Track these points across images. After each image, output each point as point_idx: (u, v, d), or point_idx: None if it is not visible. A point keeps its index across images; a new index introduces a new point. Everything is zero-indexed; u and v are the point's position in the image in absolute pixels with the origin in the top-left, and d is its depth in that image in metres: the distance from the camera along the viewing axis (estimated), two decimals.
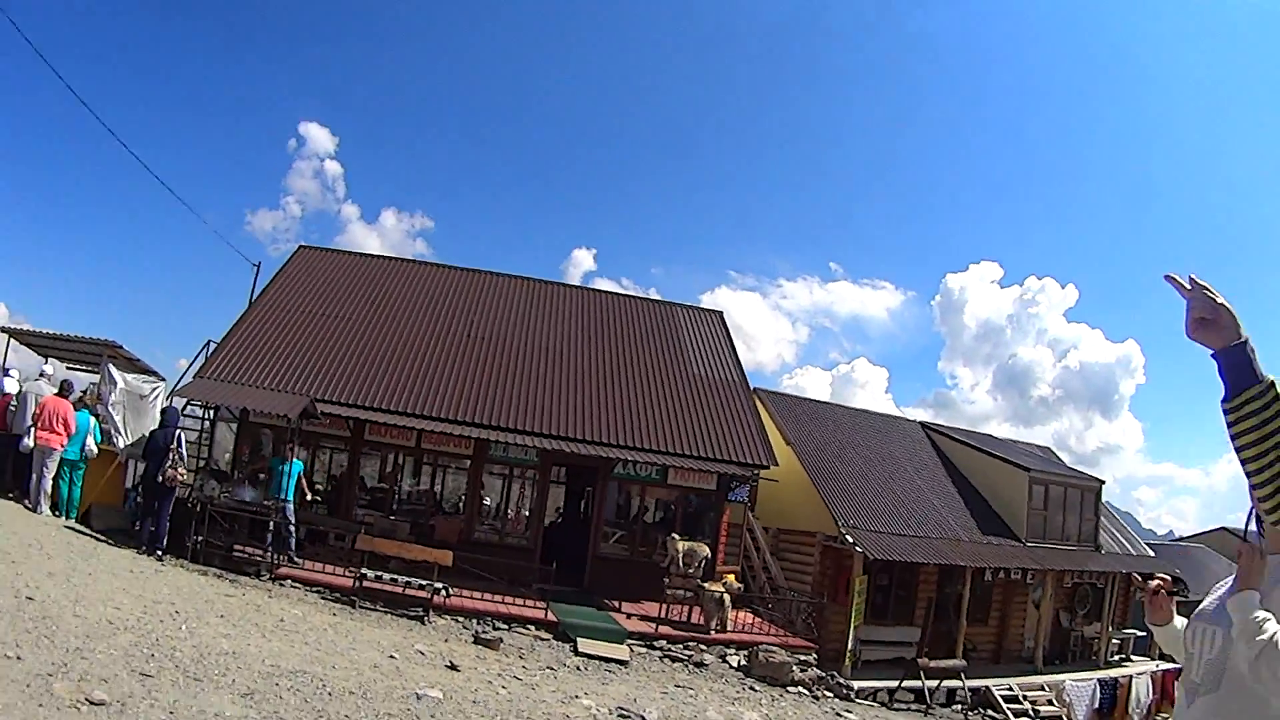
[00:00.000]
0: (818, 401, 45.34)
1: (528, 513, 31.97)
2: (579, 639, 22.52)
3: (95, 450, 23.49)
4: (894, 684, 29.22)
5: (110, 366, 25.99)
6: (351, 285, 35.95)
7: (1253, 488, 3.54)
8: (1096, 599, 41.34)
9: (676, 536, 28.17)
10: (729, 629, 26.02)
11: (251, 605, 18.41)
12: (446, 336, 34.05)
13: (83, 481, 23.32)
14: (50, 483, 21.99)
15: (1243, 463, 3.49)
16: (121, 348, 26.60)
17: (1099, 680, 35.56)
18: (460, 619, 22.81)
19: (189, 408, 27.37)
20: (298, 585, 22.88)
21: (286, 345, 30.94)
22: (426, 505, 31.32)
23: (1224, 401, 3.54)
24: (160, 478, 22.03)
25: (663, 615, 25.44)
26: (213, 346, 30.48)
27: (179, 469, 21.94)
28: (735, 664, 24.11)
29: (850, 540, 31.85)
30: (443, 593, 22.59)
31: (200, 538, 23.00)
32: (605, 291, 41.32)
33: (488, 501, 32.99)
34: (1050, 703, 32.47)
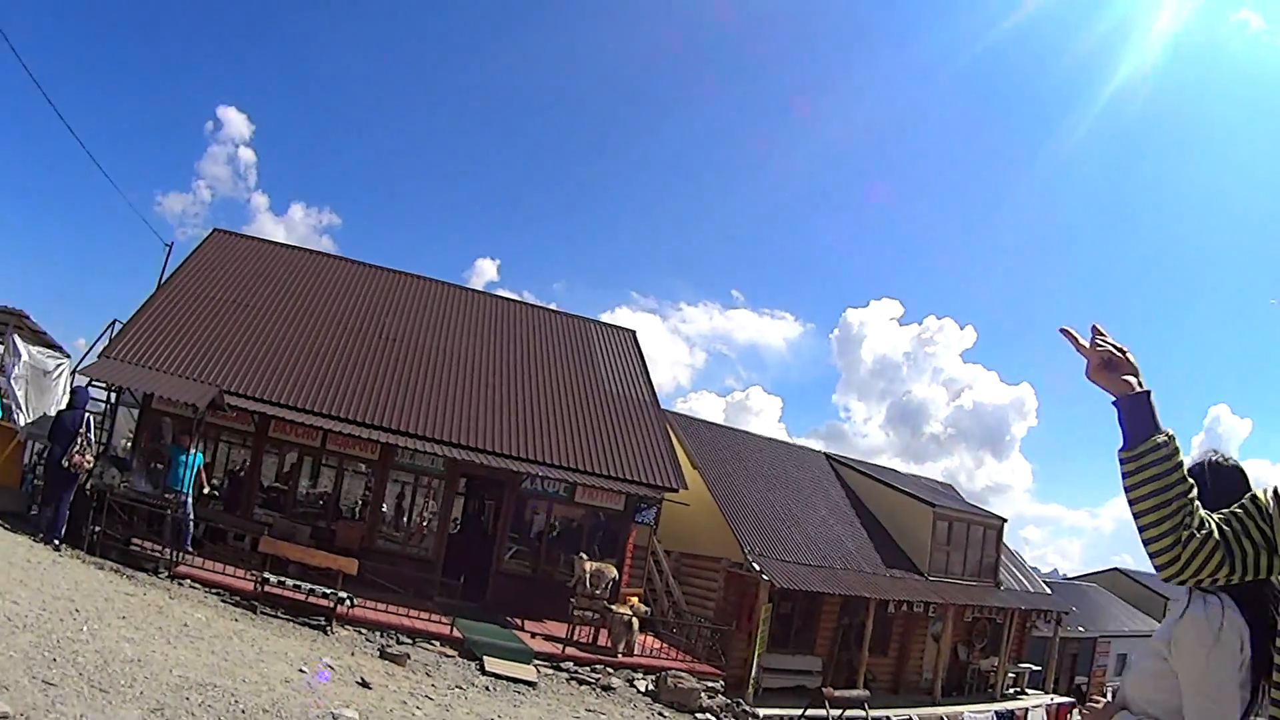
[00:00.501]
0: (724, 427, 44.92)
1: (429, 523, 31.04)
2: (485, 657, 21.77)
3: None
4: (798, 712, 28.64)
5: (15, 337, 24.45)
6: (264, 274, 34.66)
7: (1145, 542, 3.27)
8: (995, 633, 41.51)
9: (584, 556, 27.24)
10: (635, 653, 25.44)
11: (153, 606, 17.32)
12: (358, 335, 33.08)
13: None
14: None
15: (1137, 515, 3.27)
16: (29, 318, 25.45)
17: (996, 713, 35.79)
18: (363, 630, 21.91)
19: (90, 389, 25.28)
20: (197, 585, 21.64)
21: (195, 331, 29.64)
22: (327, 509, 29.92)
23: (1122, 450, 3.34)
24: (66, 462, 20.69)
25: (569, 636, 24.88)
26: (118, 327, 28.76)
27: (86, 455, 20.39)
28: (643, 688, 23.61)
29: (757, 568, 31.26)
30: (347, 603, 21.58)
31: (98, 528, 21.61)
32: (519, 301, 41.08)
33: (388, 509, 31.77)
34: None
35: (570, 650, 24.19)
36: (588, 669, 23.49)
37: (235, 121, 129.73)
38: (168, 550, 22.10)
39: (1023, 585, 43.93)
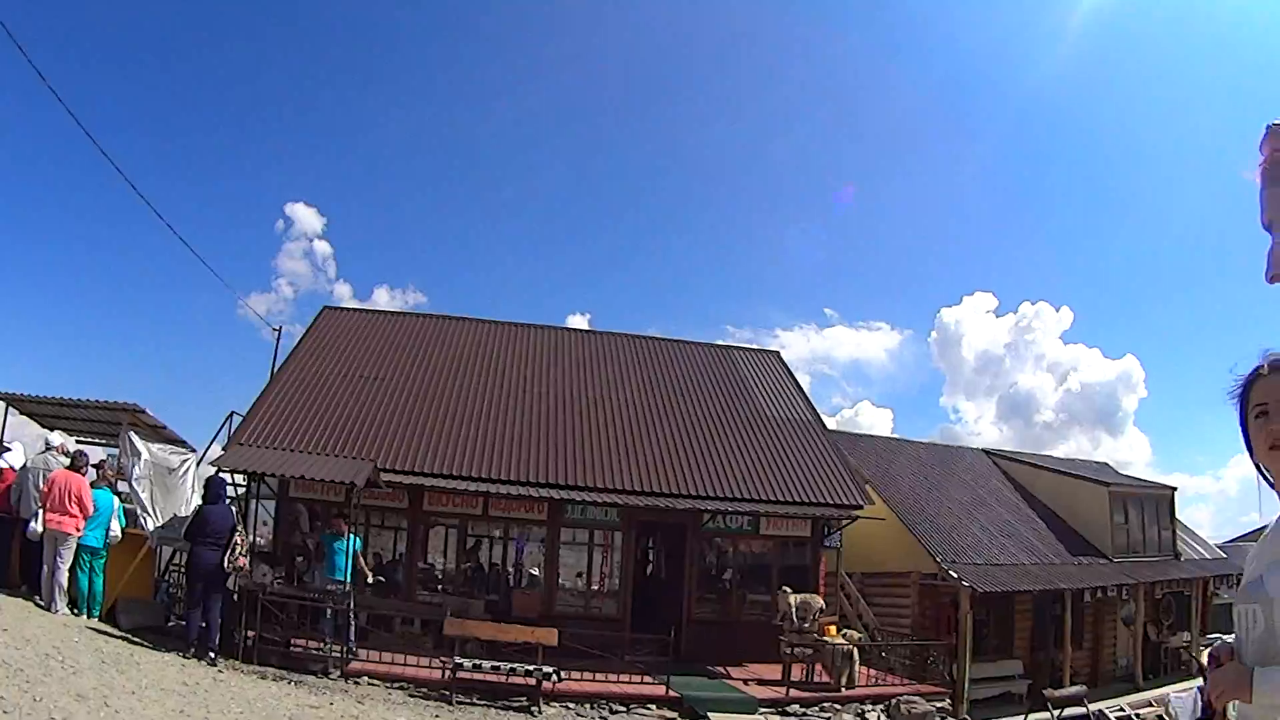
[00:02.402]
0: (878, 436, 40.87)
1: (610, 579, 26.80)
2: (710, 715, 18.88)
3: (120, 534, 18.40)
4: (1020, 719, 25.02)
5: (132, 435, 20.56)
6: (384, 344, 31.40)
7: None
8: (1181, 608, 37.61)
9: (788, 589, 23.29)
10: (857, 684, 21.95)
11: (346, 717, 14.39)
12: (498, 393, 29.20)
13: (105, 572, 18.25)
14: (66, 574, 17.02)
15: None
16: (145, 412, 21.51)
17: (1199, 688, 30.65)
18: (570, 705, 18.93)
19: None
20: (376, 682, 18.44)
21: (324, 410, 26.09)
22: (498, 580, 26.17)
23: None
24: (228, 566, 17.34)
25: (784, 677, 21.79)
26: (236, 421, 25.23)
27: (245, 556, 16.45)
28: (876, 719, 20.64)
29: (955, 576, 27.65)
30: (553, 678, 18.40)
31: (252, 633, 18.16)
32: (656, 338, 36.47)
33: (565, 571, 27.08)
34: (1160, 718, 28.78)
35: (794, 692, 20.99)
36: (815, 709, 20.62)
37: (305, 217, 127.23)
38: (333, 647, 18.82)
39: (1199, 554, 39.57)
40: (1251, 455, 3.19)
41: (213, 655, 16.74)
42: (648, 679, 20.18)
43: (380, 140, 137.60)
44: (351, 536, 20.24)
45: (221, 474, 19.48)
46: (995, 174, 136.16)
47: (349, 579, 19.70)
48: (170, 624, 19.47)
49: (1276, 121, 2.87)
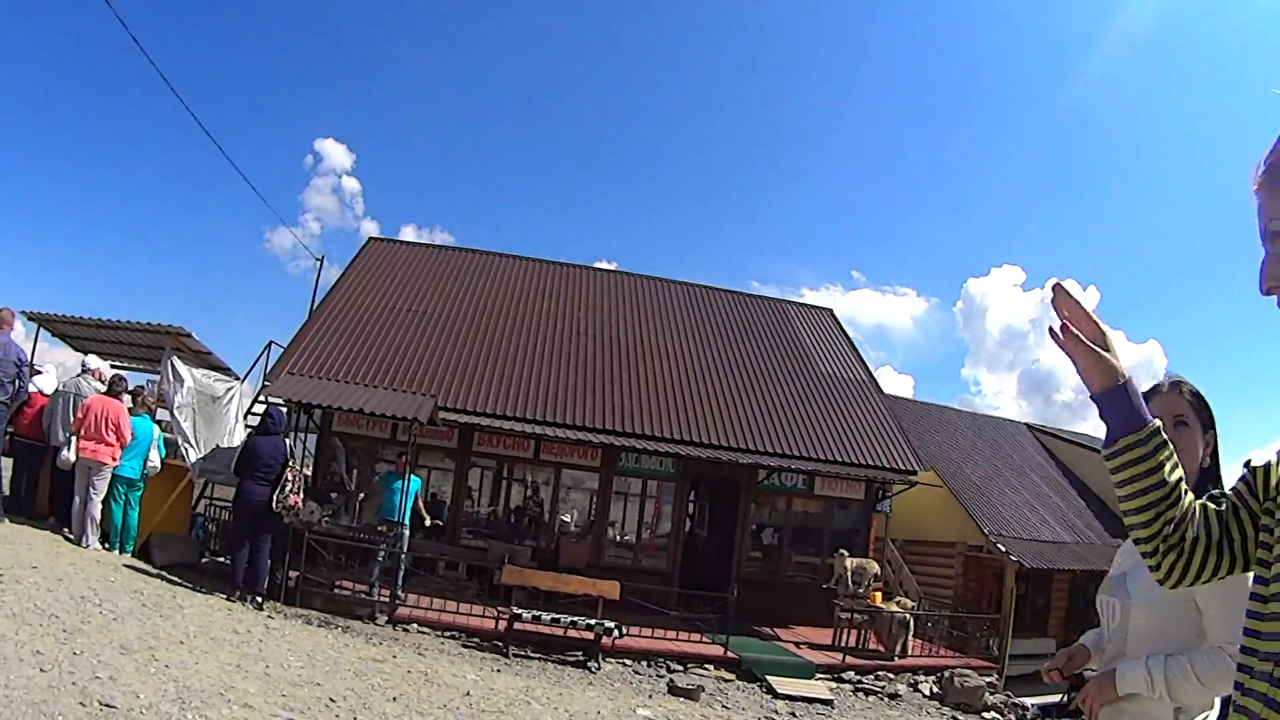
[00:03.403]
0: (922, 402, 38.45)
1: (660, 533, 25.00)
2: (768, 678, 17.62)
3: (159, 465, 16.61)
4: (1057, 699, 21.84)
5: (175, 360, 18.59)
6: (432, 279, 29.32)
7: (1135, 542, 2.57)
8: None
9: (845, 553, 21.99)
10: (909, 654, 20.82)
11: (415, 674, 12.45)
12: (551, 334, 27.23)
13: (140, 505, 16.37)
14: (99, 506, 15.23)
15: (1124, 513, 2.56)
16: (190, 336, 19.59)
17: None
18: (628, 662, 17.53)
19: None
20: (425, 629, 17.07)
21: (369, 343, 24.27)
22: (545, 526, 24.31)
23: (1104, 447, 2.58)
24: (278, 505, 15.62)
25: (836, 642, 20.68)
26: (275, 351, 23.40)
27: (298, 494, 15.59)
28: (928, 692, 19.71)
29: (1003, 549, 26.40)
30: (614, 633, 16.97)
31: (295, 573, 16.82)
32: (711, 287, 33.99)
33: (615, 520, 25.58)
34: None
35: (849, 659, 19.83)
36: (870, 677, 19.45)
37: (334, 153, 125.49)
38: (378, 592, 17.49)
39: None
40: None
41: (259, 599, 15.23)
42: (702, 638, 18.85)
43: (411, 77, 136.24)
44: (413, 477, 18.66)
45: (275, 404, 18.08)
46: (1032, 147, 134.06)
47: (406, 520, 18.35)
48: (204, 560, 18.03)
49: None
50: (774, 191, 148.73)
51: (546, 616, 16.78)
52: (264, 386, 21.52)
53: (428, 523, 19.42)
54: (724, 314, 31.36)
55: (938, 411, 37.60)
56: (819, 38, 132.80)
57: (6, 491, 15.76)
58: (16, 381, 14.58)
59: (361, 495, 20.38)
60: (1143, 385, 2.91)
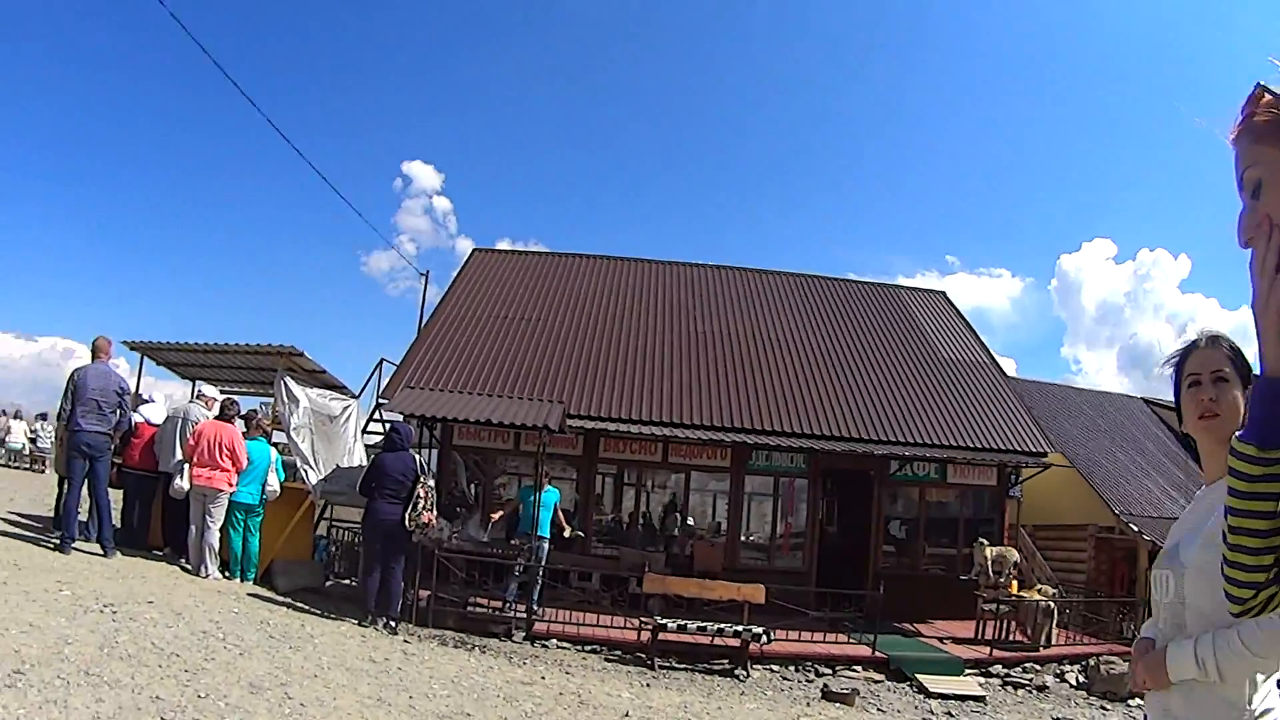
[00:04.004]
0: (1039, 382, 36.25)
1: (793, 530, 23.45)
2: (918, 676, 16.50)
3: (278, 489, 15.55)
4: None
5: (288, 381, 17.55)
6: (538, 285, 27.91)
7: (1225, 574, 2.25)
8: None
9: (984, 542, 20.70)
10: (1053, 643, 19.43)
11: (568, 695, 11.40)
12: (666, 333, 25.81)
13: (260, 530, 15.36)
14: (216, 535, 14.31)
15: (1234, 530, 2.18)
16: (303, 355, 18.51)
17: None
18: (774, 668, 16.19)
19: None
20: (565, 645, 15.94)
21: (482, 353, 23.24)
22: (678, 530, 22.83)
23: (1251, 442, 2.10)
24: (412, 524, 14.37)
25: (979, 634, 19.35)
26: (387, 368, 22.37)
27: (432, 512, 14.14)
28: (1074, 682, 18.32)
29: (1135, 529, 24.61)
30: (763, 638, 15.63)
31: (426, 592, 15.75)
32: (822, 276, 32.46)
33: (748, 520, 23.99)
34: None
35: (996, 652, 18.42)
36: (1018, 669, 18.19)
37: (423, 174, 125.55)
38: (512, 608, 16.49)
39: None
40: (1181, 425, 3.09)
41: (393, 623, 14.08)
42: (845, 638, 17.66)
43: (494, 94, 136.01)
44: (549, 489, 17.84)
45: (402, 419, 16.88)
46: (1113, 116, 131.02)
47: (544, 533, 17.40)
48: (329, 584, 17.02)
49: (1264, 83, 2.10)
50: (864, 181, 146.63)
51: (693, 625, 15.55)
52: (379, 405, 20.73)
53: (568, 534, 18.43)
54: (838, 303, 29.87)
55: (1054, 390, 35.71)
56: (901, 26, 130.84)
57: (118, 524, 14.86)
58: (119, 411, 13.77)
59: (498, 514, 18.93)
60: (1251, 346, 2.52)
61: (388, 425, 16.04)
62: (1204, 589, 2.78)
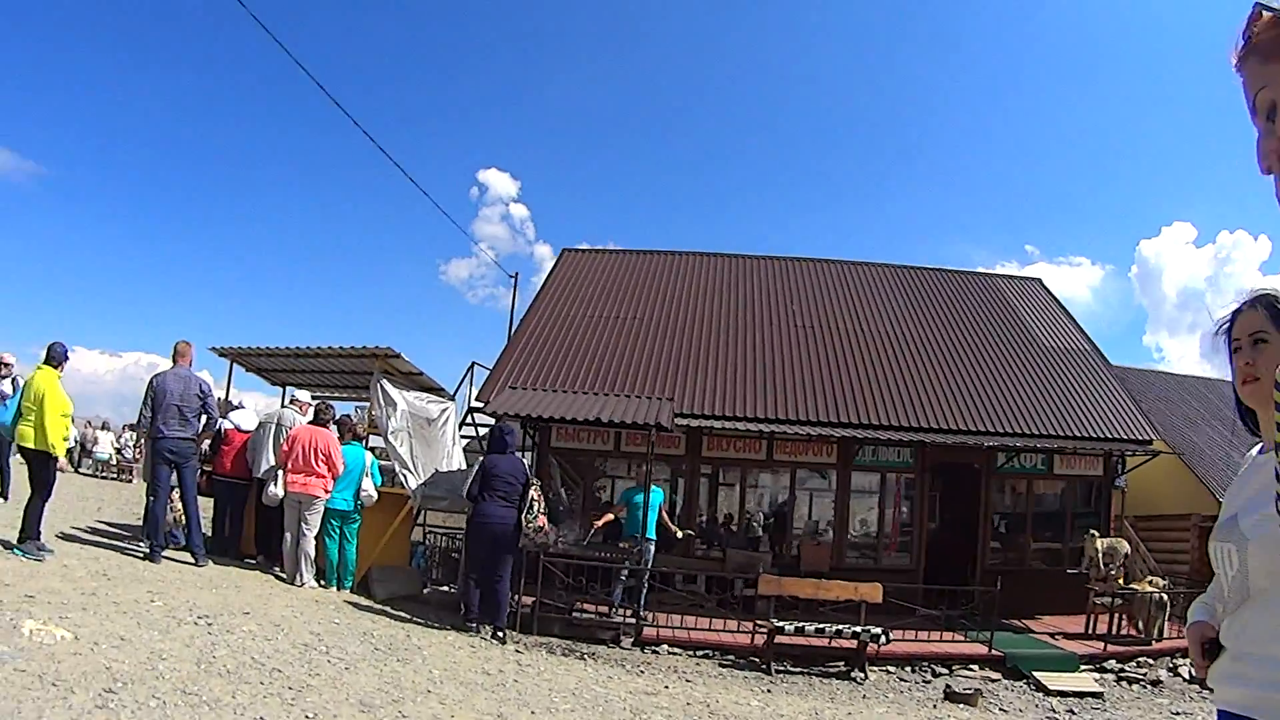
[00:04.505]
0: (1141, 370, 34.84)
1: (899, 527, 22.32)
2: (1035, 674, 15.48)
3: (375, 494, 14.69)
4: None
5: (384, 384, 16.70)
6: (632, 283, 27.15)
7: None
8: None
9: (1095, 534, 19.47)
10: (1165, 636, 18.17)
11: (694, 704, 10.53)
12: (762, 328, 24.51)
13: (357, 537, 14.51)
14: (312, 542, 13.72)
15: None
16: (399, 356, 17.37)
17: None
18: (890, 670, 15.09)
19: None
20: (676, 650, 14.70)
21: (577, 353, 22.37)
22: (785, 529, 21.63)
23: None
24: (529, 529, 13.50)
25: (1089, 630, 18.32)
26: (479, 372, 21.84)
27: (545, 515, 13.36)
28: (1187, 676, 16.97)
29: None
30: (882, 639, 14.59)
31: (531, 599, 14.64)
32: (915, 267, 31.12)
33: (856, 518, 22.61)
34: None
35: (1110, 647, 17.20)
36: (1131, 664, 17.06)
37: (499, 181, 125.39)
38: (619, 613, 15.53)
39: None
40: (1235, 392, 2.79)
41: (500, 632, 13.15)
42: (957, 636, 16.66)
43: (566, 100, 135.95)
44: (655, 489, 16.76)
45: (497, 420, 15.89)
46: (1190, 95, 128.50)
47: (651, 534, 16.32)
48: (427, 591, 15.85)
49: (1261, 1, 1.98)
50: (940, 172, 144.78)
51: (811, 627, 14.47)
52: (472, 409, 20.07)
53: (679, 535, 17.49)
54: (934, 292, 28.61)
55: (1150, 377, 34.22)
56: (977, 13, 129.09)
57: (208, 532, 14.59)
58: (203, 414, 13.32)
59: (603, 519, 17.50)
60: None
61: (493, 426, 14.86)
62: (1273, 555, 2.54)
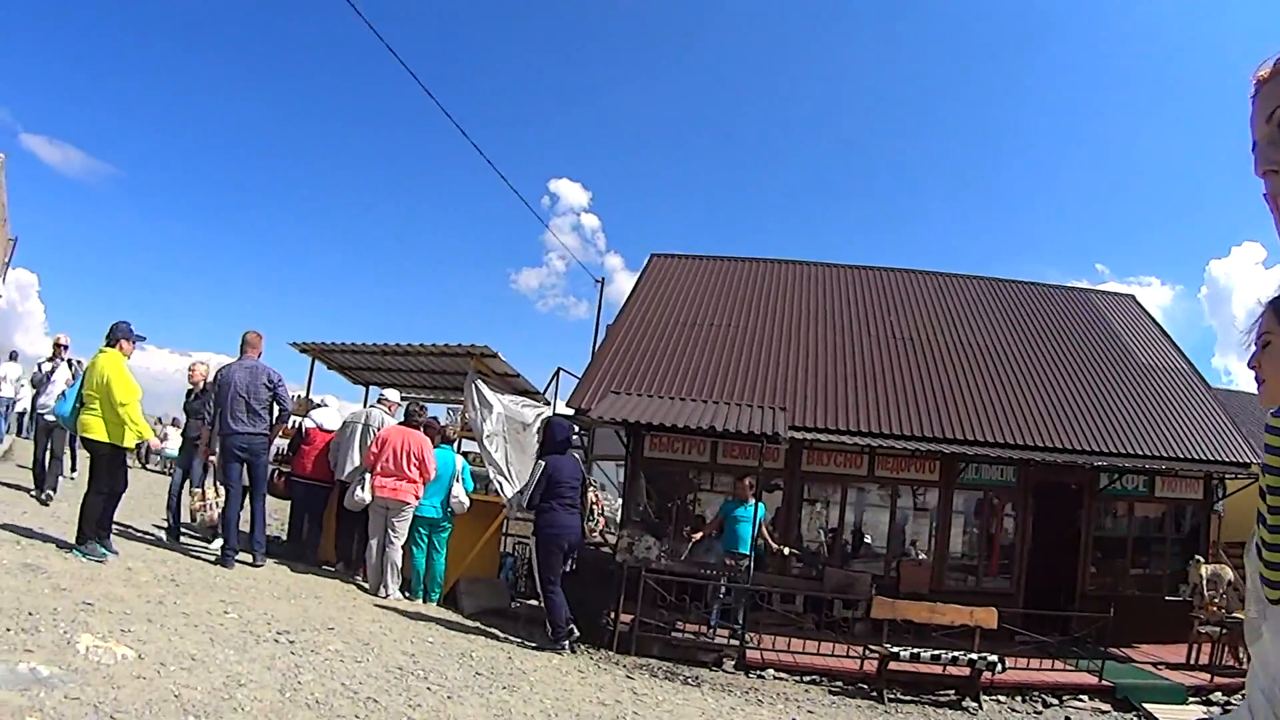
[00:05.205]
0: (1233, 391, 32.10)
1: (996, 548, 20.50)
2: (1147, 705, 14.16)
3: (467, 501, 13.34)
4: None
5: (479, 384, 15.00)
6: (724, 290, 25.21)
7: (1268, 547, 2.03)
8: None
9: (1200, 559, 18.16)
10: None
11: None
12: (860, 339, 23.03)
13: (446, 547, 13.27)
14: (400, 551, 12.57)
15: (1274, 510, 2.01)
16: (496, 356, 15.73)
17: None
18: (1001, 699, 13.72)
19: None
20: (782, 675, 13.26)
21: (669, 360, 20.79)
22: (887, 549, 20.11)
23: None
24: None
25: (1191, 659, 16.84)
26: (564, 378, 21.13)
27: (604, 517, 11.35)
28: None
29: None
30: (997, 667, 13.26)
31: (629, 617, 13.39)
32: (1008, 280, 29.18)
33: (957, 538, 20.76)
34: None
35: (1217, 678, 15.71)
36: (1237, 696, 14.94)
37: (569, 192, 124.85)
38: (717, 633, 14.18)
39: None
40: None
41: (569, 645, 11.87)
42: (1063, 664, 15.27)
43: (634, 110, 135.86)
44: (758, 503, 15.24)
45: (560, 417, 15.17)
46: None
47: (746, 549, 14.77)
48: (515, 605, 14.68)
49: None
50: (1010, 191, 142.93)
51: (926, 653, 13.09)
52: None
53: (786, 552, 16.32)
54: (1030, 306, 26.83)
55: (1237, 398, 31.96)
56: (1049, 32, 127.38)
57: (275, 533, 14.13)
58: (274, 406, 12.19)
59: (700, 533, 16.16)
60: None
61: (549, 422, 13.17)
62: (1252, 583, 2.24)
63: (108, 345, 10.09)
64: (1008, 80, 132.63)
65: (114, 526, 10.54)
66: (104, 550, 9.57)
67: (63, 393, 13.12)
